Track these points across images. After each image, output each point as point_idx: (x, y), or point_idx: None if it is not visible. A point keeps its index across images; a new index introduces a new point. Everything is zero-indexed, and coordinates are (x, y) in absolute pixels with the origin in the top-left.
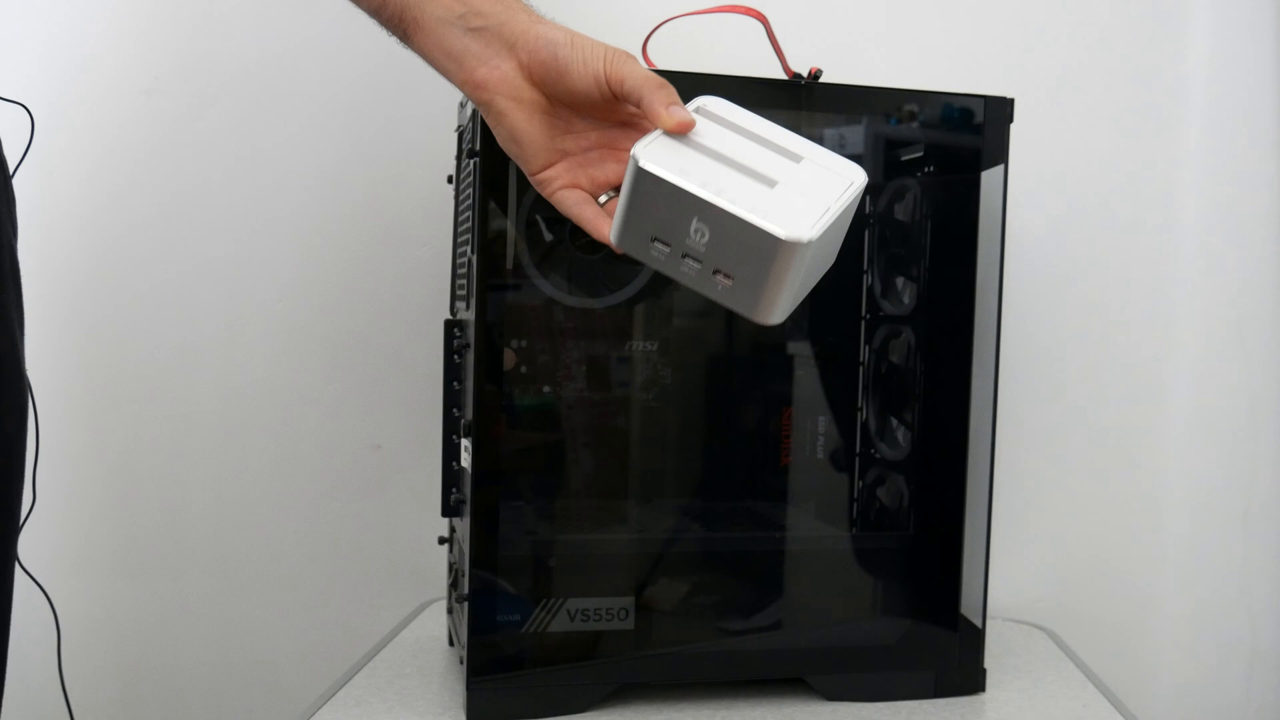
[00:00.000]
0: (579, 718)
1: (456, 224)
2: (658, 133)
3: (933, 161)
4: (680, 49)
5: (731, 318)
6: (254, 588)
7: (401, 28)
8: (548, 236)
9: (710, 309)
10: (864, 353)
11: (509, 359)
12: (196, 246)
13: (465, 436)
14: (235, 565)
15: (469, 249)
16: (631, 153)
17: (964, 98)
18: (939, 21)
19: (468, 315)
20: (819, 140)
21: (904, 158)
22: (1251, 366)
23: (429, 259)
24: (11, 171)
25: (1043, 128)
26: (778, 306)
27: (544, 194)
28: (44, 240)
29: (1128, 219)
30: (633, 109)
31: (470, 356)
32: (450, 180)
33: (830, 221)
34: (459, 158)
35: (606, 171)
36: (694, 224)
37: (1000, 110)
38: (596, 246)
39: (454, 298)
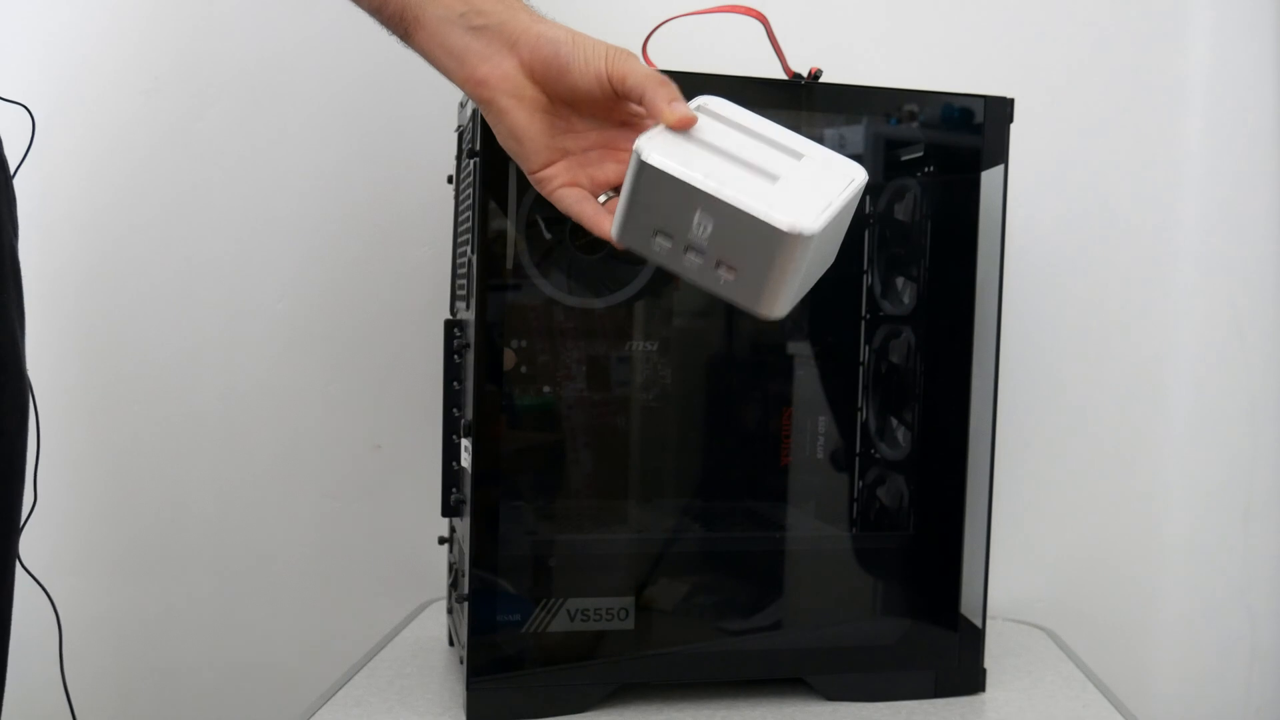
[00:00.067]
0: (579, 718)
1: (456, 224)
2: (660, 128)
3: (933, 161)
4: (680, 49)
5: (731, 318)
6: (254, 588)
7: (402, 26)
8: (548, 236)
9: (710, 309)
10: (864, 353)
11: (509, 359)
12: (197, 246)
13: (465, 436)
14: (236, 565)
15: (469, 249)
16: (634, 146)
17: (964, 98)
18: (939, 22)
19: (468, 315)
20: (819, 140)
21: (904, 158)
22: (1251, 366)
23: (429, 259)
24: (12, 172)
25: (1043, 128)
26: (780, 299)
27: (544, 192)
28: (44, 240)
29: (1128, 219)
30: (634, 107)
31: (470, 356)
32: (450, 180)
33: (832, 215)
34: (459, 158)
35: (606, 171)
36: (697, 217)
37: (1000, 110)
38: (596, 246)
39: (454, 298)
